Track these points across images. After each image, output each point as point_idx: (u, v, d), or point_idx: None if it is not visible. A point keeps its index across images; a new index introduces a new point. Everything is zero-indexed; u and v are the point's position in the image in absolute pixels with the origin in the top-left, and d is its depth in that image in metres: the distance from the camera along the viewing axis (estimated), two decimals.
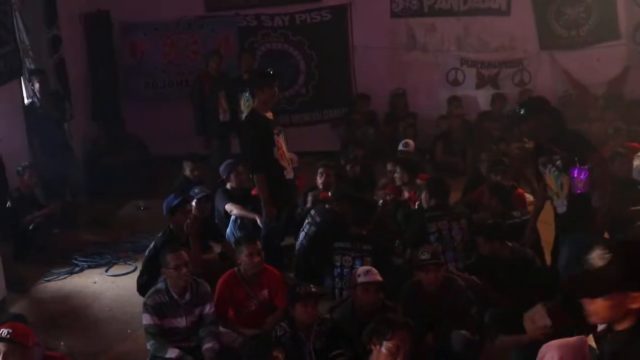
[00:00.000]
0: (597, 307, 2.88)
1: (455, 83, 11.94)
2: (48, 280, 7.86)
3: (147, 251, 6.84)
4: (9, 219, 7.92)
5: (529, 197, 8.08)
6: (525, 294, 5.70)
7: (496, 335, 5.50)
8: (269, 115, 7.10)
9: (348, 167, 8.63)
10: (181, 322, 5.64)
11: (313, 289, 5.38)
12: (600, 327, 3.12)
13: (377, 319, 4.78)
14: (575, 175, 5.79)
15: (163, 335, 5.57)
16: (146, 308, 5.61)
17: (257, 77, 7.84)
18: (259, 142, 6.95)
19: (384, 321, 4.66)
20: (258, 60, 11.58)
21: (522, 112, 6.20)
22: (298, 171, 8.34)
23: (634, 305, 2.81)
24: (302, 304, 5.31)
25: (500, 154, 9.16)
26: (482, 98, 11.85)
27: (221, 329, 5.82)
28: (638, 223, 6.92)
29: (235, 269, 6.09)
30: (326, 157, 9.92)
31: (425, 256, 5.72)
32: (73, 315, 7.09)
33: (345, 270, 6.67)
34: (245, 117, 7.69)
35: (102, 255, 8.40)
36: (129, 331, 6.62)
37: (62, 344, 6.34)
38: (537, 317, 5.08)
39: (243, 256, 5.98)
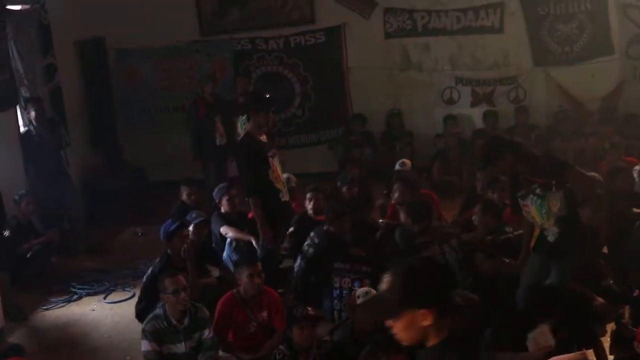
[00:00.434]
0: (397, 329, 2.85)
1: (451, 102, 11.96)
2: (46, 309, 7.82)
3: (145, 277, 6.85)
4: (7, 248, 7.89)
5: None
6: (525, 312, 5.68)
7: (494, 354, 5.46)
8: (264, 138, 7.12)
9: (344, 189, 8.57)
10: (180, 347, 5.63)
11: (310, 312, 5.37)
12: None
13: (372, 342, 4.75)
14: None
15: None
16: (145, 334, 5.60)
17: (252, 100, 7.86)
18: (253, 165, 6.97)
19: (378, 345, 4.63)
20: (253, 83, 11.62)
21: (484, 160, 6.22)
22: (295, 193, 8.34)
23: (425, 323, 2.79)
24: (299, 326, 5.30)
25: (495, 172, 9.13)
26: (478, 116, 11.85)
27: (220, 353, 5.80)
28: (638, 223, 6.90)
29: (235, 290, 6.08)
30: (323, 178, 9.95)
31: None
32: (72, 343, 7.06)
33: (344, 291, 6.67)
34: (240, 140, 7.71)
35: (100, 282, 8.37)
36: (128, 358, 6.58)
37: None
38: (541, 338, 5.04)
39: (244, 277, 5.97)
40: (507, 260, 6.50)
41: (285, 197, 7.22)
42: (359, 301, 5.54)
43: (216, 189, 8.17)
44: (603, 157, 9.85)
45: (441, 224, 7.85)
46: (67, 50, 10.94)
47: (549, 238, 5.91)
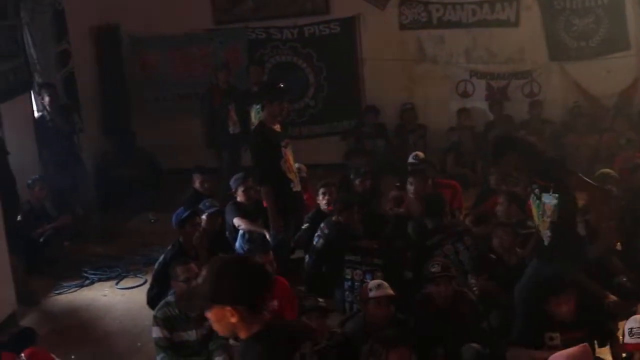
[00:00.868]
0: (211, 321, 2.97)
1: (465, 95, 11.91)
2: (58, 294, 7.87)
3: (156, 264, 6.87)
4: (20, 232, 7.94)
5: None
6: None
7: (507, 348, 5.46)
8: (277, 127, 7.11)
9: (358, 182, 8.54)
10: (191, 335, 5.65)
11: (319, 303, 5.36)
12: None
13: (373, 337, 4.74)
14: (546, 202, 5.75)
15: (173, 348, 5.56)
16: (156, 321, 5.62)
17: (267, 89, 7.84)
18: (266, 154, 6.96)
19: (379, 340, 4.63)
20: (267, 72, 11.61)
21: (491, 156, 6.25)
22: (305, 182, 8.32)
23: (233, 320, 2.89)
24: (307, 316, 5.29)
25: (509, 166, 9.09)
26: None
27: (231, 342, 5.80)
28: None
29: None
30: (335, 169, 9.94)
31: (435, 269, 5.70)
32: (83, 328, 7.10)
33: (355, 283, 6.66)
34: (254, 129, 7.71)
35: (113, 268, 8.41)
36: (139, 344, 6.61)
37: (72, 357, 6.35)
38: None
39: None
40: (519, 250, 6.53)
41: (297, 187, 7.20)
42: (371, 294, 5.53)
43: (233, 179, 8.13)
44: (618, 154, 9.79)
45: (456, 220, 7.82)
46: (82, 36, 10.95)
47: (544, 240, 5.92)
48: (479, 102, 11.86)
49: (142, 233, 9.67)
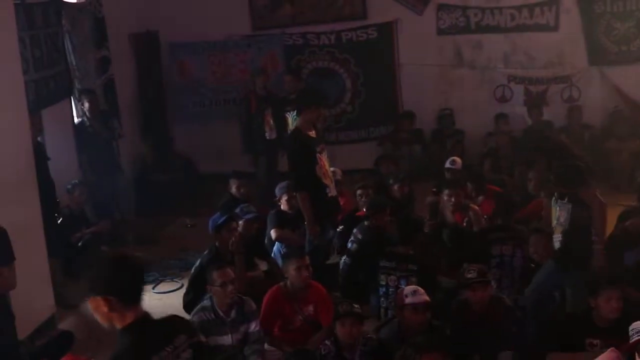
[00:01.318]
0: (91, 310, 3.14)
1: (503, 100, 11.82)
2: None
3: (193, 268, 6.89)
4: (59, 236, 8.03)
5: None
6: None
7: (545, 354, 5.38)
8: (312, 133, 7.11)
9: (396, 187, 8.49)
10: (226, 339, 5.66)
11: (354, 308, 5.34)
12: None
13: (407, 343, 4.71)
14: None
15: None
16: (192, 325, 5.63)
17: (304, 95, 7.86)
18: (301, 161, 6.97)
19: (412, 345, 4.58)
20: (305, 78, 11.64)
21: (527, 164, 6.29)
22: (340, 186, 8.29)
23: (104, 309, 3.06)
24: (341, 322, 5.28)
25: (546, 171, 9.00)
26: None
27: (266, 347, 5.82)
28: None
29: (282, 283, 6.10)
30: (372, 174, 9.91)
31: (472, 274, 5.64)
32: None
33: (390, 289, 6.64)
34: (289, 135, 7.73)
35: (149, 273, 8.45)
36: None
37: None
38: None
39: (291, 270, 5.99)
40: None
41: (332, 192, 7.20)
42: (407, 300, 5.50)
43: (278, 187, 8.10)
44: None
45: (521, 227, 7.72)
46: (122, 43, 11.08)
47: (555, 245, 5.94)
48: (517, 107, 11.75)
49: (179, 238, 9.72)
